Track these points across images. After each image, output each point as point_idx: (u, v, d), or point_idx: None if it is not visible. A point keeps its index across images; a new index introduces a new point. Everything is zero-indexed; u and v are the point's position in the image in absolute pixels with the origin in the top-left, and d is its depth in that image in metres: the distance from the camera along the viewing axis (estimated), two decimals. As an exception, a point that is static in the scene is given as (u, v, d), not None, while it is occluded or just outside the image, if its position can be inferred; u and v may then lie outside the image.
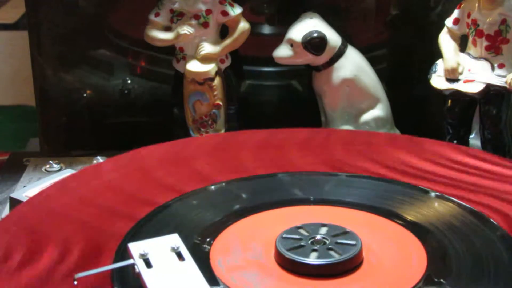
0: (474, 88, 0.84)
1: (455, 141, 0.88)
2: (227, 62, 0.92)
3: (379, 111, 0.93)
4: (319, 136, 0.85)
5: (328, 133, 0.88)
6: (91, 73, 1.00)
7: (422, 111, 0.99)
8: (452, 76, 0.85)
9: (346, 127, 0.92)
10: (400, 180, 0.74)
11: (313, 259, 0.59)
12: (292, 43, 0.89)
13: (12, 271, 0.58)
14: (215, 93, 0.89)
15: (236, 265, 0.60)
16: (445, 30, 0.87)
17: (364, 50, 0.94)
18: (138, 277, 0.55)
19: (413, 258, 0.61)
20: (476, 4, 0.83)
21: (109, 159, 0.80)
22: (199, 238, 0.63)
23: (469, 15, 0.84)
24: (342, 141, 0.83)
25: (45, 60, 0.97)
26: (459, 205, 0.69)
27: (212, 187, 0.73)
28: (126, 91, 1.01)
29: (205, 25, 0.89)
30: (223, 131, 0.91)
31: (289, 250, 0.60)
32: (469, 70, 0.84)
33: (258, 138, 0.84)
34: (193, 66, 0.89)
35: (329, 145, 0.82)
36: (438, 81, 0.86)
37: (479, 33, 0.83)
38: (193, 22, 0.89)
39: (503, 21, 0.82)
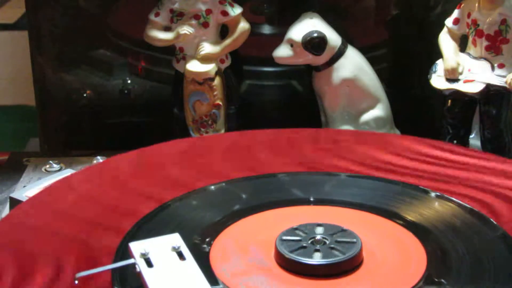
0: (474, 88, 0.84)
1: (455, 141, 0.88)
2: (227, 62, 0.92)
3: (379, 111, 0.93)
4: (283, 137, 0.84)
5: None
6: (91, 73, 1.00)
7: (422, 111, 0.99)
8: (452, 76, 0.85)
9: (346, 127, 0.92)
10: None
11: (313, 259, 0.59)
12: (292, 43, 0.89)
13: None
14: (215, 93, 0.89)
15: (236, 265, 0.60)
16: (445, 30, 0.87)
17: (364, 50, 0.94)
18: (138, 277, 0.55)
19: (413, 258, 0.61)
20: (476, 4, 0.83)
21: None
22: (199, 238, 0.63)
23: (469, 15, 0.84)
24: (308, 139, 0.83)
25: (45, 60, 0.97)
26: (459, 205, 0.69)
27: (212, 187, 0.73)
28: (126, 91, 1.01)
29: (205, 25, 0.89)
30: (223, 131, 0.91)
31: (288, 250, 0.60)
32: (469, 70, 0.84)
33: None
34: (193, 66, 0.89)
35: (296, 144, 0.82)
36: (438, 81, 0.86)
37: (479, 33, 0.83)
38: (193, 22, 0.89)
39: (503, 21, 0.82)
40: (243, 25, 0.89)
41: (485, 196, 0.71)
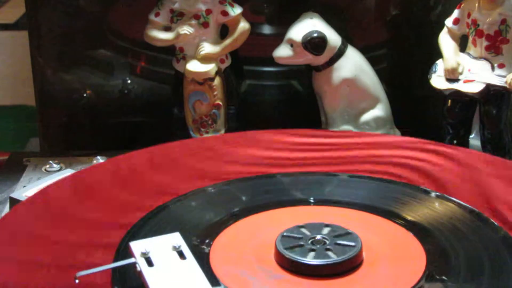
0: (474, 88, 0.84)
1: (455, 141, 0.88)
2: (227, 62, 0.92)
3: (379, 111, 0.93)
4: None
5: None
6: (91, 73, 1.00)
7: (422, 111, 0.99)
8: (452, 76, 0.85)
9: (346, 127, 0.92)
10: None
11: (313, 259, 0.59)
12: (292, 43, 0.89)
13: None
14: (215, 93, 0.89)
15: (236, 265, 0.60)
16: (445, 30, 0.87)
17: (364, 50, 0.94)
18: (139, 276, 0.55)
19: (413, 258, 0.61)
20: (476, 4, 0.83)
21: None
22: (199, 238, 0.63)
23: (469, 15, 0.84)
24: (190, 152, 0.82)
25: (45, 60, 0.97)
26: (458, 205, 0.69)
27: (211, 187, 0.73)
28: (126, 91, 1.01)
29: (205, 25, 0.89)
30: (223, 131, 0.91)
31: (289, 250, 0.60)
32: (469, 70, 0.84)
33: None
34: (193, 66, 0.89)
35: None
36: (438, 81, 0.86)
37: (479, 33, 0.83)
38: (193, 22, 0.89)
39: (503, 21, 0.82)
40: (243, 25, 0.90)
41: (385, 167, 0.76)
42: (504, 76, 0.82)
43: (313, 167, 0.77)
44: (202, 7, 0.88)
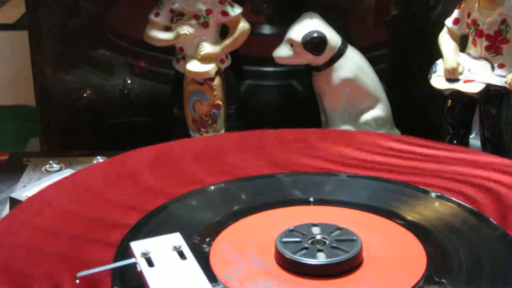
0: (474, 88, 0.84)
1: (455, 141, 0.88)
2: (227, 62, 0.92)
3: (379, 111, 0.93)
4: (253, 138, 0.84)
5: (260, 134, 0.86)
6: (91, 73, 1.00)
7: (422, 111, 0.99)
8: (452, 76, 0.85)
9: (346, 127, 0.92)
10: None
11: (313, 259, 0.59)
12: (292, 43, 0.89)
13: None
14: (215, 93, 0.89)
15: (235, 265, 0.60)
16: (445, 30, 0.87)
17: (364, 50, 0.94)
18: (139, 276, 0.55)
19: (413, 258, 0.61)
20: (476, 4, 0.83)
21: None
22: (199, 238, 0.63)
23: (469, 15, 0.84)
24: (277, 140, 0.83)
25: (45, 60, 0.97)
26: (458, 205, 0.69)
27: (212, 187, 0.73)
28: (126, 91, 1.01)
29: (205, 25, 0.89)
30: (223, 131, 0.91)
31: (288, 250, 0.60)
32: (469, 70, 0.84)
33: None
34: (193, 66, 0.89)
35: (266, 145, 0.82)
36: (438, 81, 0.86)
37: (479, 33, 0.83)
38: (193, 22, 0.89)
39: (503, 21, 0.82)
40: (243, 25, 0.90)
41: (462, 186, 0.72)
42: (504, 76, 0.82)
43: (385, 173, 0.76)
44: (202, 7, 0.88)
